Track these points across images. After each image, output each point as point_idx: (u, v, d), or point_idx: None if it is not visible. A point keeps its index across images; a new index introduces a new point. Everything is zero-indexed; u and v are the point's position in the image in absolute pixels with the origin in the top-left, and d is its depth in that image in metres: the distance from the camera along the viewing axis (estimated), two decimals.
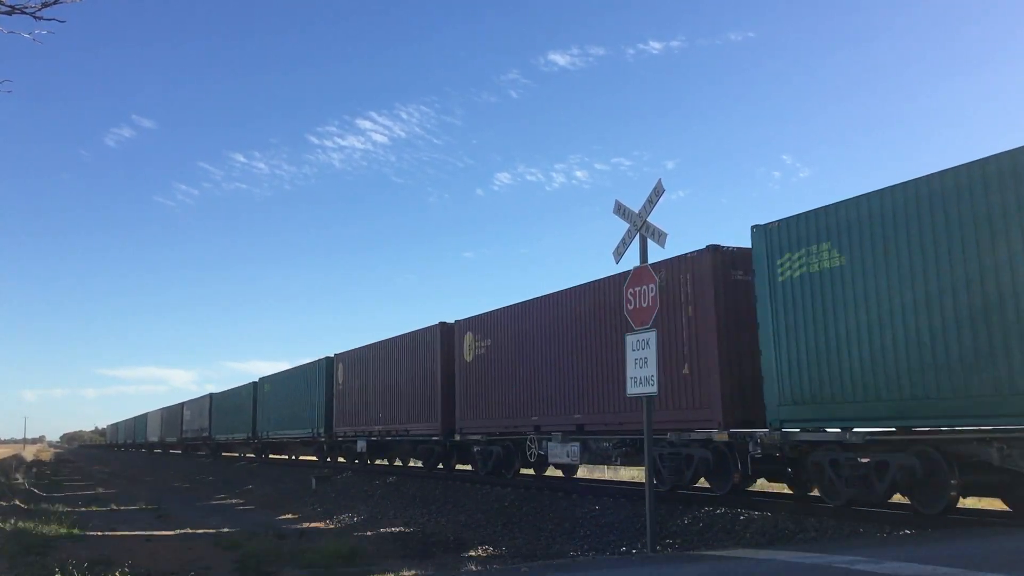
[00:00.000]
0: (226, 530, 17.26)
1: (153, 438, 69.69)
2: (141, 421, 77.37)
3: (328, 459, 31.75)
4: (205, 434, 49.43)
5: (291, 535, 16.28)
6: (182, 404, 57.53)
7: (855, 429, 10.58)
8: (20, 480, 35.89)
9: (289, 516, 21.25)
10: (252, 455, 43.18)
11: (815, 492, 12.50)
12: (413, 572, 11.24)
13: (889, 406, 10.13)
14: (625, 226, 10.89)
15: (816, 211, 11.15)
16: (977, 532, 9.28)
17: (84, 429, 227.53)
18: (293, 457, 38.96)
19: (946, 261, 9.62)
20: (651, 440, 10.44)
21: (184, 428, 55.99)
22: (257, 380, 40.27)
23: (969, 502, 13.35)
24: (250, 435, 40.28)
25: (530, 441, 17.97)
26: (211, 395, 49.21)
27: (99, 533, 16.66)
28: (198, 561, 12.83)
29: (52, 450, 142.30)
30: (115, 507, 23.56)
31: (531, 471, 19.77)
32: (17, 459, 59.04)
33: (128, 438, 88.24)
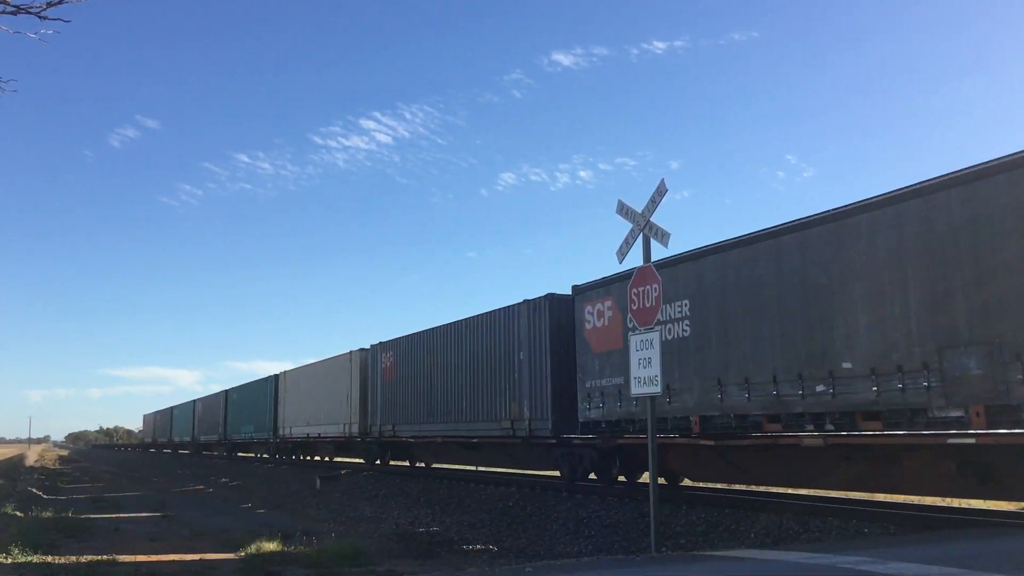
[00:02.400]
0: (231, 530, 17.27)
1: (310, 428, 33.76)
2: (256, 396, 41.23)
3: None
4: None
5: (295, 535, 16.27)
6: (428, 331, 24.16)
7: None
8: (25, 481, 35.95)
9: (294, 516, 21.25)
10: None
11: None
12: (417, 572, 11.24)
13: None
14: (628, 226, 10.88)
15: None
16: (979, 532, 9.26)
17: (89, 429, 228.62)
18: None
19: None
20: (655, 440, 10.42)
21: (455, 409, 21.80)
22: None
23: (974, 502, 13.29)
24: None
25: None
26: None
27: (103, 533, 16.69)
28: (202, 561, 12.84)
29: (57, 450, 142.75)
30: (119, 507, 23.61)
31: None
32: (18, 460, 57.80)
33: (203, 433, 53.41)
